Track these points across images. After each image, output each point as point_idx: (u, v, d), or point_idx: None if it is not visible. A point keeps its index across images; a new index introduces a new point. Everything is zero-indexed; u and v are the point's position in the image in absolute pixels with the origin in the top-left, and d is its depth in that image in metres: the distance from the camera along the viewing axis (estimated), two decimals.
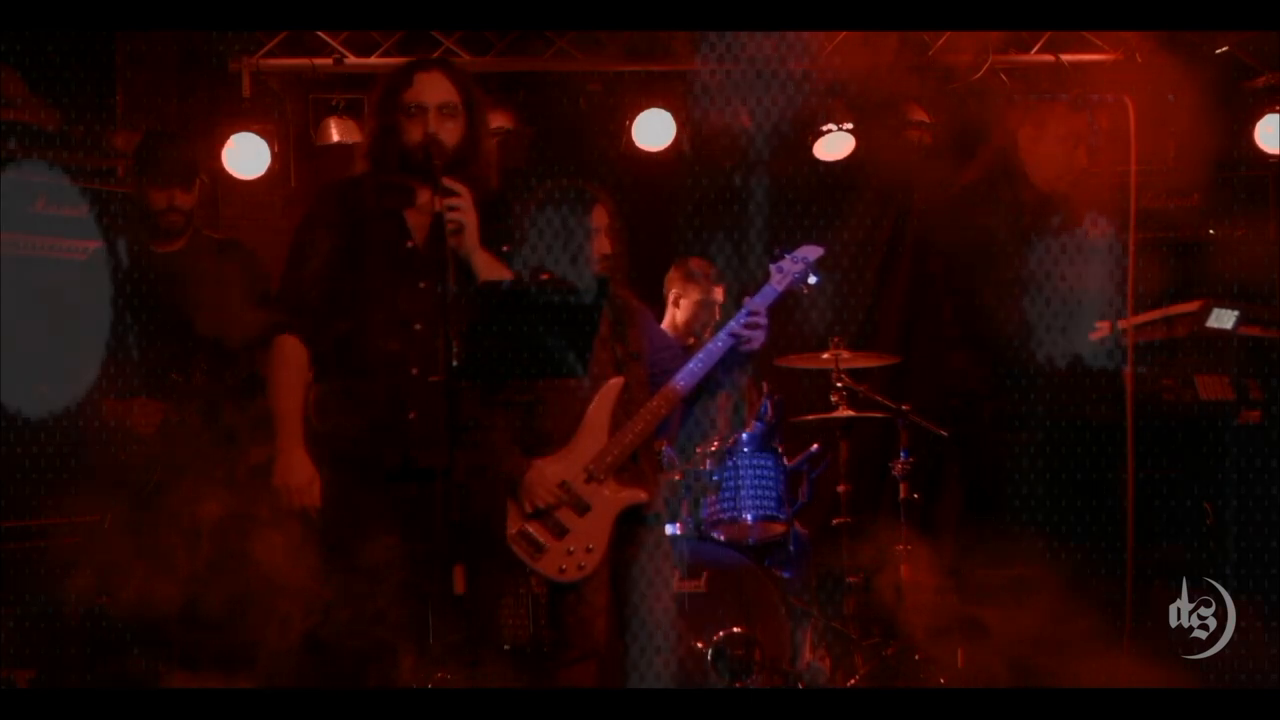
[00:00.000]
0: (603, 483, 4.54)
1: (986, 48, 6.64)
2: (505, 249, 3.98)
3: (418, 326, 3.93)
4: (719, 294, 6.25)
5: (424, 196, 3.98)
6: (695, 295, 6.24)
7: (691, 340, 6.24)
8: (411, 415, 3.90)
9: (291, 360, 4.01)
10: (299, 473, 3.94)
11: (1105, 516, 4.00)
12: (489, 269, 3.84)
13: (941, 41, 6.58)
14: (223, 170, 6.46)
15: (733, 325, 4.67)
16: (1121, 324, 4.05)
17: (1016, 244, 4.33)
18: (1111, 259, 4.04)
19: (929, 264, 6.78)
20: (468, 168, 3.99)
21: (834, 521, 5.85)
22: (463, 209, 3.79)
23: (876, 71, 6.05)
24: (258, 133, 6.47)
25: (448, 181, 3.80)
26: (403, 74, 4.05)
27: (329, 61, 6.56)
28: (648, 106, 6.77)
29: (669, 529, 5.35)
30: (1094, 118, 4.55)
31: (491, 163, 4.10)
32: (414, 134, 3.95)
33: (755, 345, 4.67)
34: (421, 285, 3.94)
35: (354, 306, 3.97)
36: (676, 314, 6.31)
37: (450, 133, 3.96)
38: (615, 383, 4.60)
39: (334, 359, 4.02)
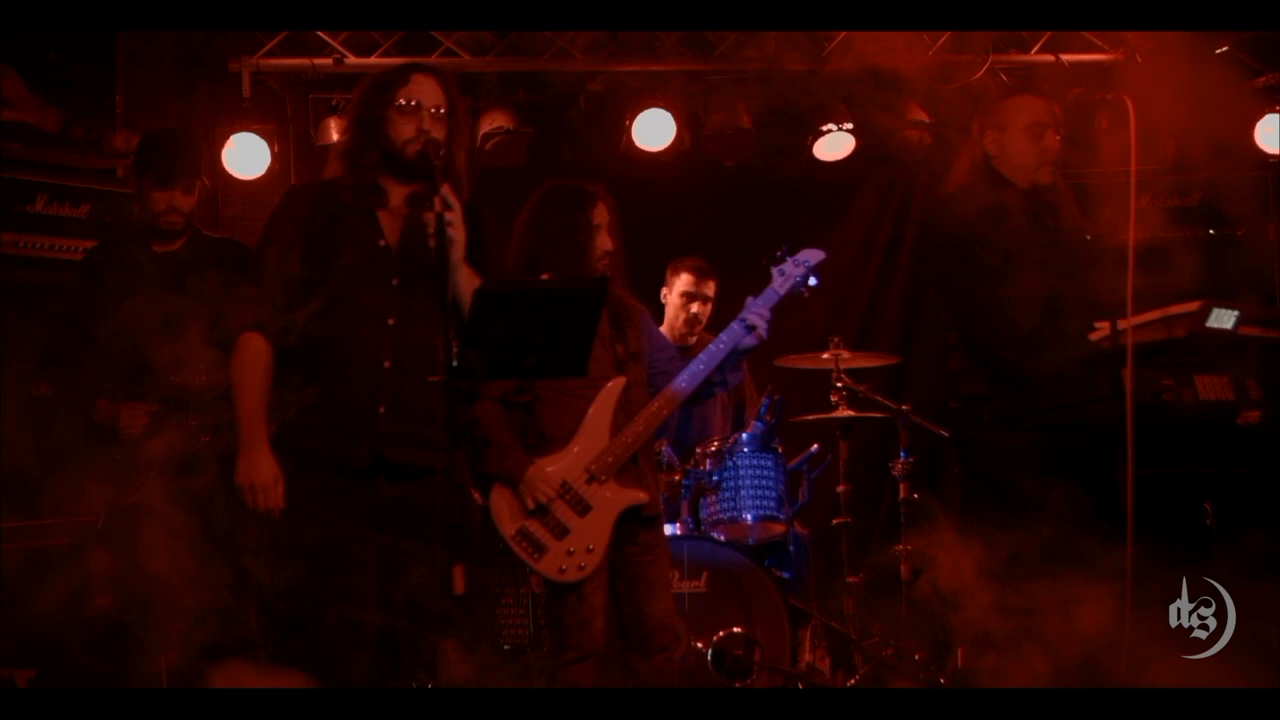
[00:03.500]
0: (604, 483, 4.55)
1: (986, 48, 6.65)
2: (475, 258, 3.96)
3: (391, 321, 3.93)
4: (710, 288, 6.25)
5: (395, 198, 3.99)
6: (684, 287, 6.25)
7: (694, 339, 6.25)
8: (381, 410, 3.90)
9: (257, 359, 3.96)
10: (263, 472, 3.90)
11: (1105, 517, 3.99)
12: (470, 284, 3.83)
13: (941, 41, 6.59)
14: (223, 170, 6.47)
15: (735, 327, 4.68)
16: (1121, 324, 4.03)
17: (1008, 246, 4.32)
18: (1110, 258, 4.03)
19: (926, 266, 6.78)
20: (446, 175, 3.98)
21: (834, 521, 5.86)
22: (455, 224, 3.79)
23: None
24: (258, 133, 6.47)
25: (446, 190, 3.79)
26: (399, 72, 4.05)
27: (329, 61, 6.56)
28: (648, 106, 6.77)
29: (669, 529, 5.35)
30: (1059, 102, 4.54)
31: (464, 174, 4.08)
32: (404, 130, 3.94)
33: (755, 344, 4.68)
34: (394, 282, 3.94)
35: (326, 304, 3.95)
36: (669, 312, 6.32)
37: (439, 136, 3.96)
38: (617, 383, 4.60)
39: (305, 356, 3.97)
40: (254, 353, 3.97)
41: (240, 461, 3.93)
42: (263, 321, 3.97)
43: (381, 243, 3.99)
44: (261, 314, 3.97)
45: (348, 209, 4.00)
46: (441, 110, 3.98)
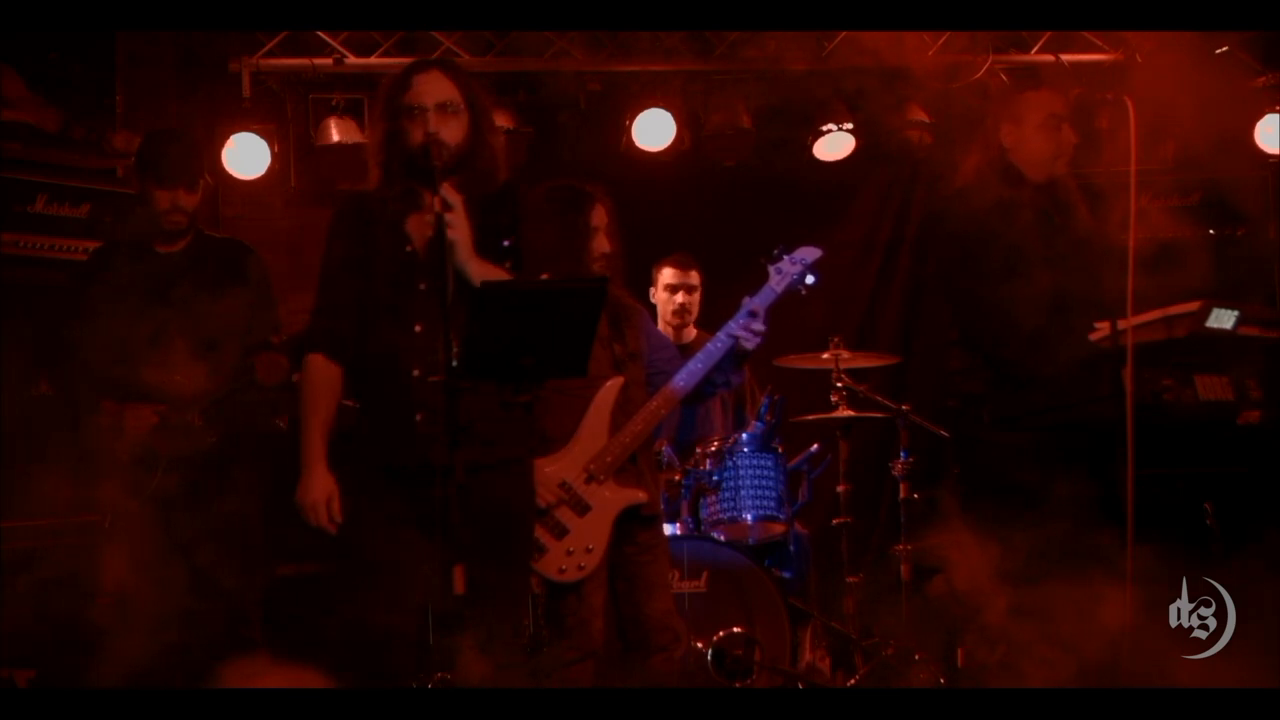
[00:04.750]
0: (603, 483, 4.55)
1: (986, 48, 6.65)
2: (507, 243, 3.97)
3: (418, 328, 3.94)
4: (694, 278, 6.28)
5: (427, 200, 3.99)
6: (667, 280, 6.28)
7: (689, 335, 6.26)
8: (419, 417, 3.91)
9: (318, 379, 4.03)
10: (316, 490, 3.96)
11: (1105, 517, 4.00)
12: (484, 276, 3.84)
13: (942, 41, 6.58)
14: (223, 170, 6.46)
15: (732, 325, 4.68)
16: (1121, 324, 4.03)
17: (1013, 243, 4.32)
18: (1112, 258, 4.03)
19: (928, 264, 6.77)
20: (473, 164, 3.99)
21: (834, 521, 5.85)
22: (455, 225, 3.79)
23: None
24: (258, 133, 6.47)
25: (446, 189, 3.79)
26: (401, 77, 4.06)
27: (329, 61, 6.56)
28: (648, 106, 6.77)
29: (669, 529, 5.35)
30: (1073, 97, 4.56)
31: (498, 158, 4.10)
32: (416, 136, 3.95)
33: (753, 345, 4.68)
34: (421, 287, 3.95)
35: (361, 314, 3.99)
36: (659, 309, 6.34)
37: (452, 131, 3.96)
38: (615, 383, 4.60)
39: (358, 367, 4.06)
40: (315, 373, 4.04)
41: (300, 479, 4.00)
42: (325, 340, 4.03)
43: (407, 249, 4.00)
44: (323, 332, 4.03)
45: (381, 218, 4.03)
46: (450, 102, 3.97)
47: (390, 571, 3.88)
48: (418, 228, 4.00)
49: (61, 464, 4.62)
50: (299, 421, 4.09)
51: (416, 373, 3.91)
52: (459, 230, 3.80)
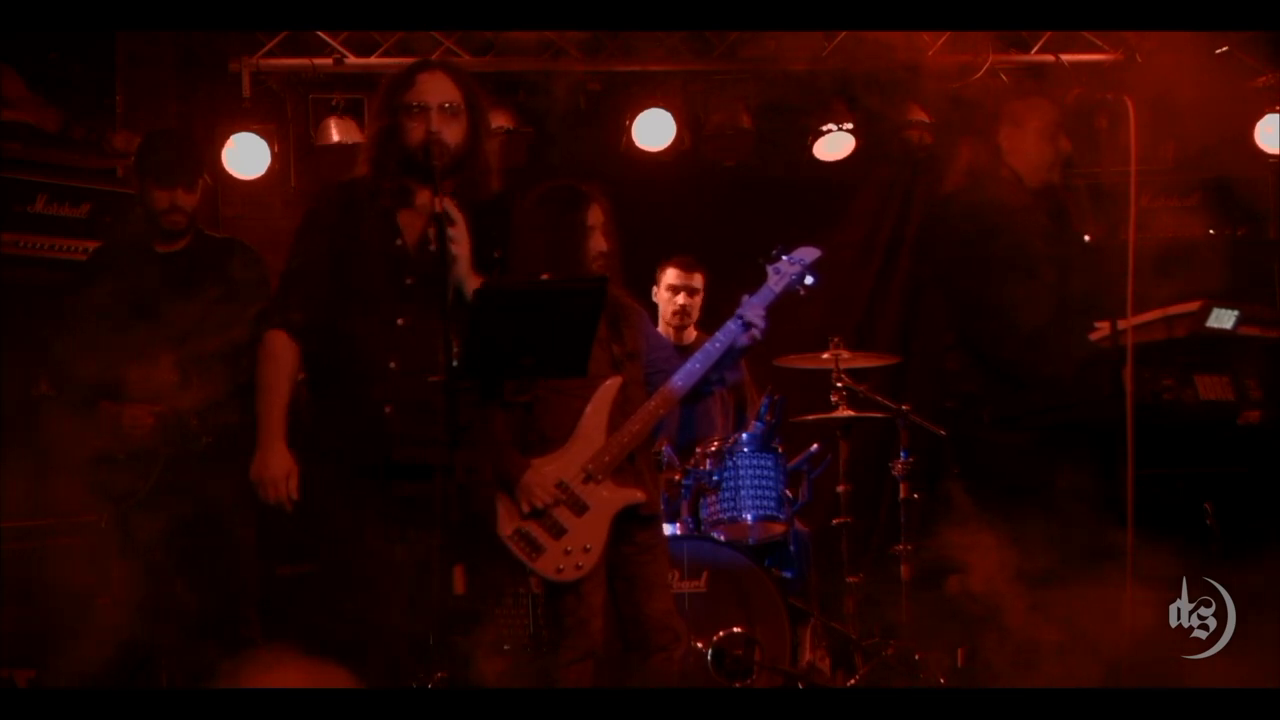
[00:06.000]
0: (600, 483, 4.54)
1: (987, 48, 6.65)
2: (497, 255, 3.97)
3: (400, 321, 3.94)
4: (697, 280, 6.28)
5: (421, 198, 3.99)
6: (670, 280, 6.28)
7: (689, 335, 6.25)
8: (387, 410, 3.91)
9: (279, 356, 4.01)
10: (275, 466, 3.94)
11: (1106, 517, 4.00)
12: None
13: (942, 42, 6.58)
14: (223, 170, 6.47)
15: (730, 325, 4.68)
16: (1121, 324, 4.04)
17: (1010, 244, 4.33)
18: (1110, 258, 4.04)
19: (928, 264, 6.78)
20: (468, 168, 4.00)
21: (834, 521, 5.85)
22: (457, 240, 3.79)
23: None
24: (258, 133, 6.47)
25: (448, 203, 3.79)
26: (405, 75, 4.06)
27: (329, 61, 6.56)
28: (648, 106, 6.77)
29: (669, 529, 5.35)
30: (1073, 97, 4.58)
31: (492, 164, 4.11)
32: (416, 134, 3.95)
33: (752, 342, 4.68)
34: (408, 282, 3.95)
35: (342, 303, 3.98)
36: (660, 309, 6.34)
37: (452, 133, 3.97)
38: (613, 383, 4.60)
39: (325, 355, 4.03)
40: (276, 350, 4.02)
41: (255, 456, 3.98)
42: (287, 320, 4.00)
43: (398, 242, 4.01)
44: (287, 313, 4.01)
45: (370, 209, 4.02)
46: (452, 104, 3.98)
47: (369, 566, 3.88)
48: (410, 223, 4.01)
49: (59, 464, 4.62)
50: (256, 399, 4.04)
51: (393, 365, 3.91)
52: (461, 246, 3.80)
